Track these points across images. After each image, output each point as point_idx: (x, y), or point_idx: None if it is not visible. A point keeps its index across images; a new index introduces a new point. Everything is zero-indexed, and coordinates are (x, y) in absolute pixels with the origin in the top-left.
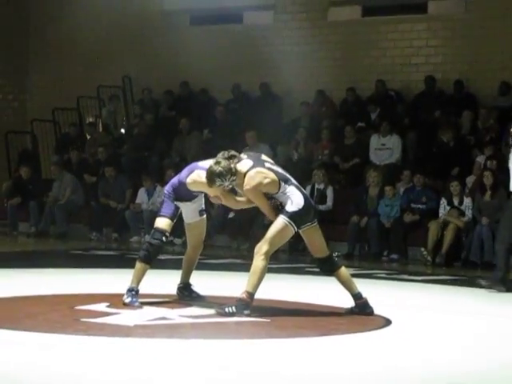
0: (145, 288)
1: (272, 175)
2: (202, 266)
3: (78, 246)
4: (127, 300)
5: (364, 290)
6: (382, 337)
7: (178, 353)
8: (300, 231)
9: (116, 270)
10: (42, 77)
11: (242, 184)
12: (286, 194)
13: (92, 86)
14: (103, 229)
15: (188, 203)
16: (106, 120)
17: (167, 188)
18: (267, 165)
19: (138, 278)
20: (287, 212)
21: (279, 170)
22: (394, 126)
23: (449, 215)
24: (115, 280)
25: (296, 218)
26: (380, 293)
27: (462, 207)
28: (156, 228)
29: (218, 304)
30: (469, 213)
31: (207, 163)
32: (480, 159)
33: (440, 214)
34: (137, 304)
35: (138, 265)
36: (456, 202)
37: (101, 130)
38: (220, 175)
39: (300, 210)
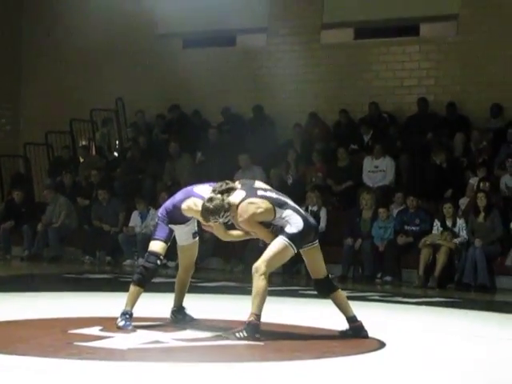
0: (138, 311)
1: (265, 204)
2: (196, 289)
3: (72, 269)
4: (121, 323)
5: (358, 312)
6: (376, 359)
7: (172, 377)
8: (301, 251)
9: (109, 293)
10: (35, 100)
11: (235, 216)
12: (283, 218)
13: (85, 109)
14: (96, 252)
15: (182, 226)
16: (100, 143)
17: (161, 211)
18: (260, 193)
19: (132, 302)
20: (287, 233)
21: (273, 195)
22: (386, 149)
23: (441, 238)
24: (108, 303)
25: (296, 238)
26: (374, 315)
27: (456, 229)
28: (150, 251)
29: (212, 327)
30: (463, 233)
31: (202, 189)
32: (473, 181)
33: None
34: (130, 328)
35: (132, 288)
36: (449, 223)
37: (94, 153)
38: (213, 212)
39: (300, 232)
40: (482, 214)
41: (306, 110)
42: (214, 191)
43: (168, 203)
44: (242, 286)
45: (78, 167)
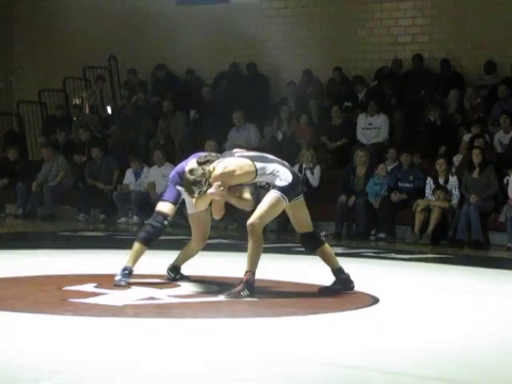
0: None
1: (241, 161)
2: None
3: (66, 227)
4: (117, 278)
5: (352, 268)
6: (369, 315)
7: (167, 332)
8: (288, 205)
9: (104, 250)
10: (28, 59)
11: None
12: (270, 173)
13: (78, 67)
14: (91, 210)
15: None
16: (92, 101)
17: (172, 173)
18: (237, 155)
19: (134, 258)
20: (278, 186)
21: (252, 154)
22: (381, 106)
23: (434, 198)
24: (103, 261)
25: (287, 191)
26: (368, 271)
27: (448, 186)
28: (158, 211)
29: (207, 284)
30: (456, 192)
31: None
32: (467, 138)
33: (426, 194)
34: (123, 283)
35: (136, 245)
36: (442, 181)
37: (87, 111)
38: (195, 183)
39: (290, 184)
40: (477, 170)
41: (300, 67)
42: (197, 163)
43: (181, 165)
44: (236, 244)
45: (71, 125)
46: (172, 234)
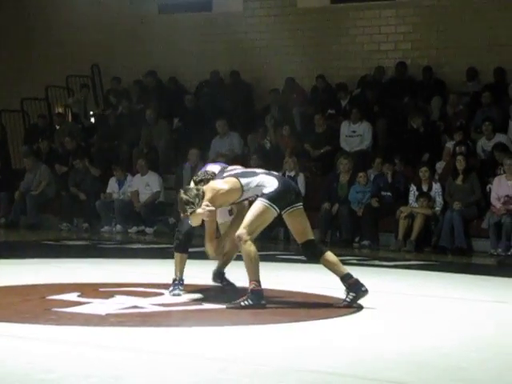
0: (114, 277)
1: (227, 180)
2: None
3: (49, 236)
4: (170, 289)
5: (335, 276)
6: (353, 322)
7: (150, 341)
8: (284, 215)
9: (87, 259)
10: (10, 67)
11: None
12: (256, 186)
13: (61, 76)
14: (74, 219)
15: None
16: (75, 109)
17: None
18: (226, 174)
19: (178, 268)
20: (264, 194)
21: (239, 171)
22: (364, 113)
23: (418, 205)
24: (86, 270)
25: (274, 198)
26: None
27: (432, 193)
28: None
29: (192, 292)
30: (439, 199)
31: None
32: (449, 145)
33: (410, 201)
34: (176, 292)
35: (175, 255)
36: (425, 188)
37: (70, 119)
38: (187, 203)
39: (276, 191)
40: (461, 177)
41: (283, 75)
42: (193, 181)
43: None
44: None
45: (53, 134)
46: (156, 243)
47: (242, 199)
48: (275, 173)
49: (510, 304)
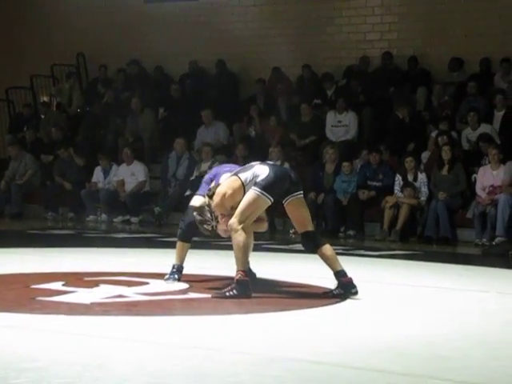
0: (98, 266)
1: (229, 180)
2: (159, 244)
3: (34, 225)
4: (166, 276)
5: (321, 265)
6: (338, 311)
7: (135, 329)
8: (284, 204)
9: (72, 249)
10: None
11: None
12: (253, 178)
13: (46, 65)
14: (59, 208)
15: None
16: (61, 99)
17: (209, 175)
18: (228, 175)
19: (178, 256)
20: (257, 183)
21: (239, 168)
22: (349, 103)
23: (403, 195)
24: (71, 259)
25: (268, 186)
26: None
27: (417, 183)
28: (190, 206)
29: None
30: (424, 188)
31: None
32: (434, 135)
33: (395, 191)
34: (170, 280)
35: (177, 243)
36: (410, 178)
37: (55, 108)
38: (202, 222)
39: (270, 179)
40: (446, 167)
41: (269, 64)
42: (207, 196)
43: (215, 170)
44: (206, 241)
45: (39, 123)
46: (142, 232)
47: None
48: (271, 162)
49: (493, 293)
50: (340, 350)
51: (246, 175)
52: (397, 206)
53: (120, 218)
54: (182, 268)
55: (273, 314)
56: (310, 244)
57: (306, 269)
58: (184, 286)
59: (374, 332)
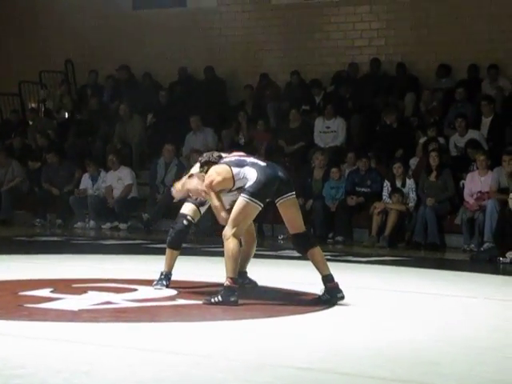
0: (87, 273)
1: (221, 168)
2: (148, 251)
3: (22, 232)
4: (154, 283)
5: (310, 271)
6: (327, 318)
7: (123, 336)
8: (277, 205)
9: (60, 255)
10: None
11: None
12: (243, 177)
13: (34, 71)
14: (47, 215)
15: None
16: (49, 105)
17: None
18: (222, 161)
19: (167, 263)
20: (246, 190)
21: (233, 158)
22: (338, 109)
23: (391, 201)
24: (59, 266)
25: (255, 193)
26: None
27: (405, 189)
28: (179, 213)
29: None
30: (413, 194)
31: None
32: (423, 141)
33: (383, 197)
34: (158, 287)
35: (166, 250)
36: (399, 184)
37: (43, 115)
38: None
39: (259, 184)
40: (434, 173)
41: (258, 71)
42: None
43: None
44: (194, 248)
45: (26, 130)
46: (130, 239)
47: (235, 188)
48: (261, 163)
49: (481, 299)
50: (329, 356)
51: (237, 170)
52: (385, 212)
53: (108, 225)
54: (171, 275)
55: (261, 320)
56: (301, 245)
57: (295, 275)
58: (172, 292)
59: (362, 338)
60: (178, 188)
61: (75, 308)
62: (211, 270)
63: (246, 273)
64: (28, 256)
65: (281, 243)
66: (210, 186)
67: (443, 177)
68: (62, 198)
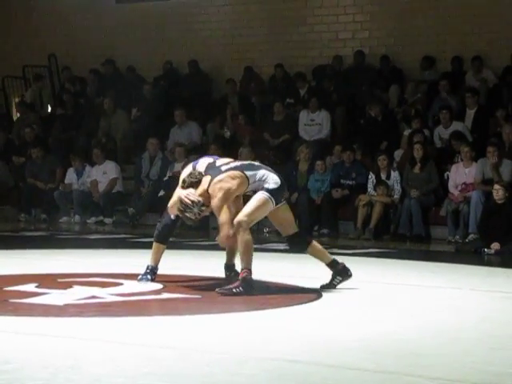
0: (72, 267)
1: (233, 174)
2: (133, 245)
3: (7, 227)
4: (139, 277)
5: (296, 264)
6: (313, 310)
7: (109, 331)
8: (272, 210)
9: (45, 250)
10: None
11: (209, 201)
12: (259, 180)
13: (17, 66)
14: (32, 210)
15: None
16: (32, 100)
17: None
18: (224, 168)
19: (153, 257)
20: (267, 189)
21: (238, 164)
22: (322, 102)
23: (376, 193)
24: (44, 261)
25: (275, 193)
26: (311, 267)
27: (390, 181)
28: (168, 207)
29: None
30: (398, 186)
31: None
32: (407, 133)
33: (368, 190)
34: (144, 281)
35: (153, 244)
36: (383, 176)
37: (27, 110)
38: (185, 210)
39: (278, 187)
40: (418, 165)
41: (242, 64)
42: (183, 185)
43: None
44: (179, 241)
45: (10, 125)
46: (116, 233)
47: (244, 193)
48: (271, 169)
49: (466, 290)
50: (314, 349)
51: (251, 173)
52: (370, 205)
53: (93, 219)
54: (157, 269)
55: (247, 313)
56: (299, 246)
57: (280, 268)
58: (158, 286)
59: (347, 330)
60: (171, 204)
61: (60, 303)
62: (196, 264)
63: (234, 265)
64: (13, 251)
65: (266, 236)
66: (226, 197)
67: (427, 169)
68: (47, 193)
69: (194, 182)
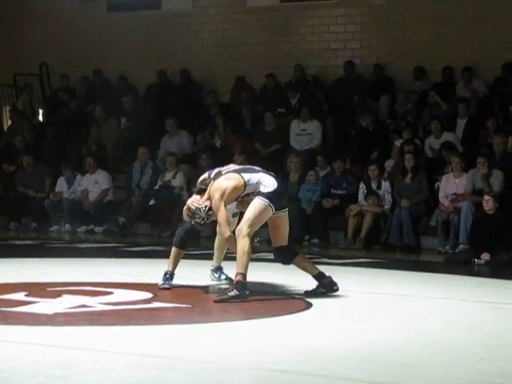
0: (62, 276)
1: (230, 175)
2: (123, 254)
3: None
4: (160, 282)
5: (286, 274)
6: (303, 320)
7: (98, 340)
8: (273, 216)
9: (35, 259)
10: None
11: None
12: (256, 183)
13: (8, 74)
14: (22, 218)
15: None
16: (23, 108)
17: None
18: (224, 172)
19: (172, 262)
20: (263, 193)
21: (237, 167)
22: (313, 112)
23: (367, 203)
24: (34, 269)
25: (272, 198)
26: (301, 277)
27: (380, 191)
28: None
29: (140, 290)
30: (388, 196)
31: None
32: (398, 143)
33: (359, 199)
34: (165, 286)
35: (172, 250)
36: (374, 186)
37: (18, 118)
38: (193, 216)
39: (275, 191)
40: (410, 175)
41: (233, 73)
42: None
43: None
44: (169, 250)
45: (1, 133)
46: (106, 242)
47: (243, 194)
48: (271, 173)
49: (456, 300)
50: (305, 358)
51: (249, 176)
52: (361, 214)
53: (84, 228)
54: (174, 275)
55: (236, 322)
56: (286, 257)
57: (271, 277)
58: (148, 295)
59: (337, 340)
60: (184, 211)
61: (50, 311)
62: (186, 273)
63: (221, 268)
64: (2, 260)
65: (257, 245)
66: (222, 197)
67: (418, 179)
68: (37, 202)
69: (203, 189)
